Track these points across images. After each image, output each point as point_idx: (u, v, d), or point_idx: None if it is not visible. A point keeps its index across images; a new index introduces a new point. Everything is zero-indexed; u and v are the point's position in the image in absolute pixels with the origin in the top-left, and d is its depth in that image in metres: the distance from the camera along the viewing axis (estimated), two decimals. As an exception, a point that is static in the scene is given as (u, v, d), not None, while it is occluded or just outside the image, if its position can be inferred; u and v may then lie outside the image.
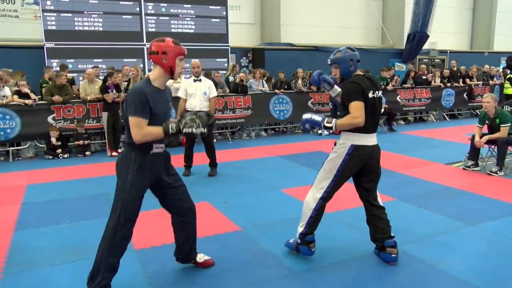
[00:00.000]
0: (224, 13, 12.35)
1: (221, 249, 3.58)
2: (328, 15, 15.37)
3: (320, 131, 9.99)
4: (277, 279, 3.05)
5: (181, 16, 11.88)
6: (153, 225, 4.07)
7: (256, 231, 3.97)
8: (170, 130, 2.66)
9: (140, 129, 2.62)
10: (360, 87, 2.99)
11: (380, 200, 3.32)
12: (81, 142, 7.96)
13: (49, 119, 7.98)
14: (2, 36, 10.77)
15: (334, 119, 3.05)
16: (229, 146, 8.88)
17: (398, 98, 11.45)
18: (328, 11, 15.37)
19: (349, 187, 5.31)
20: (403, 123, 11.84)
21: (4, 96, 7.75)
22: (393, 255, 3.21)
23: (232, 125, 9.83)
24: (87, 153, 8.04)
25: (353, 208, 4.55)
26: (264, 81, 10.26)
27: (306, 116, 3.15)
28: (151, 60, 2.76)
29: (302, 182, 5.67)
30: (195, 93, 5.95)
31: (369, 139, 3.11)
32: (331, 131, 3.07)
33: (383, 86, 11.07)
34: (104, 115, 7.87)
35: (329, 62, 3.20)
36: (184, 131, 2.66)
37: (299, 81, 10.58)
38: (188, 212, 3.05)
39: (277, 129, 10.83)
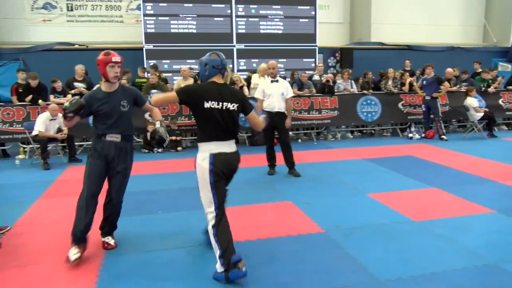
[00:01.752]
0: (313, 13, 12.30)
1: (303, 249, 3.58)
2: (421, 12, 14.51)
3: (411, 135, 9.50)
4: (359, 286, 2.97)
5: (270, 17, 12.06)
6: (238, 221, 4.18)
7: (339, 234, 3.90)
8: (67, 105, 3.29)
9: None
10: (194, 90, 3.14)
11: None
12: (173, 138, 8.46)
13: (146, 115, 8.58)
14: (110, 39, 11.89)
15: None
16: (313, 147, 8.82)
17: (500, 101, 10.47)
18: (422, 8, 14.51)
19: (439, 197, 5.01)
20: (506, 128, 10.81)
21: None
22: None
23: (318, 126, 9.74)
24: (179, 148, 8.53)
25: (445, 218, 4.28)
26: (353, 82, 10.02)
27: None
28: None
29: (390, 187, 5.46)
30: (273, 93, 6.03)
31: (225, 147, 3.12)
32: None
33: (483, 88, 10.21)
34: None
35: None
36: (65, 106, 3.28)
37: (390, 82, 10.17)
38: (110, 200, 3.65)
39: (364, 131, 10.52)
